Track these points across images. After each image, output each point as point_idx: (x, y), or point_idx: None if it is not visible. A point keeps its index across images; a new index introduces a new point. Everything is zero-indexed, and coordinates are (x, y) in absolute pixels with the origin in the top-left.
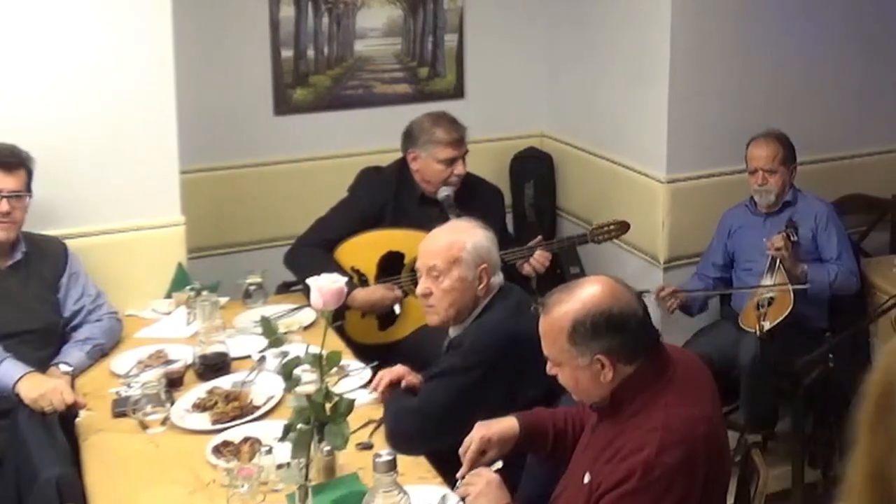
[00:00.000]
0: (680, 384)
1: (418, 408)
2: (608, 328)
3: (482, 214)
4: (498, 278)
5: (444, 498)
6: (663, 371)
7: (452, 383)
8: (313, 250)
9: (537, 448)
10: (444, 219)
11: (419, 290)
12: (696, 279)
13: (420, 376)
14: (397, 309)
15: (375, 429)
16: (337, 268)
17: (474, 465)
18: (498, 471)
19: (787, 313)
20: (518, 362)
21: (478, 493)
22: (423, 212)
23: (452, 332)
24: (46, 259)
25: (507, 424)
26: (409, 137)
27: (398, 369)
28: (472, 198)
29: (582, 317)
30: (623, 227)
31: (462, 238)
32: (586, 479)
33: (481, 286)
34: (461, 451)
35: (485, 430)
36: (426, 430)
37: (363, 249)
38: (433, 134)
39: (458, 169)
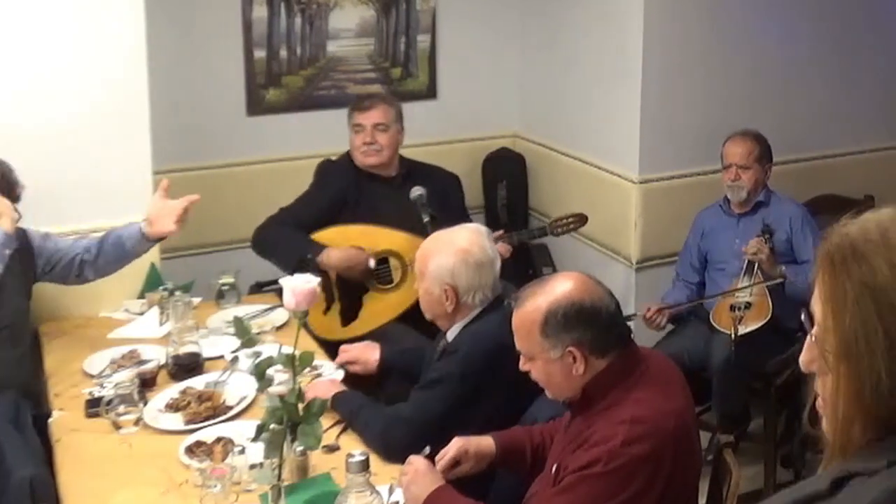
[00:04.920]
0: (651, 380)
1: (410, 417)
2: (580, 320)
3: (439, 201)
4: (481, 295)
5: (391, 488)
6: (634, 367)
7: (447, 392)
8: (285, 226)
9: (517, 466)
10: (404, 199)
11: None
12: (681, 286)
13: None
14: (372, 263)
15: (343, 430)
16: (306, 239)
17: (447, 473)
18: (428, 456)
19: (765, 321)
20: (512, 371)
21: (409, 482)
22: (378, 190)
23: (449, 334)
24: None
25: (485, 442)
26: None
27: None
28: (430, 187)
29: (554, 308)
30: (581, 219)
31: (428, 257)
32: (553, 468)
33: (448, 303)
34: (437, 458)
35: (463, 442)
36: (418, 440)
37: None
38: (352, 104)
39: (364, 138)
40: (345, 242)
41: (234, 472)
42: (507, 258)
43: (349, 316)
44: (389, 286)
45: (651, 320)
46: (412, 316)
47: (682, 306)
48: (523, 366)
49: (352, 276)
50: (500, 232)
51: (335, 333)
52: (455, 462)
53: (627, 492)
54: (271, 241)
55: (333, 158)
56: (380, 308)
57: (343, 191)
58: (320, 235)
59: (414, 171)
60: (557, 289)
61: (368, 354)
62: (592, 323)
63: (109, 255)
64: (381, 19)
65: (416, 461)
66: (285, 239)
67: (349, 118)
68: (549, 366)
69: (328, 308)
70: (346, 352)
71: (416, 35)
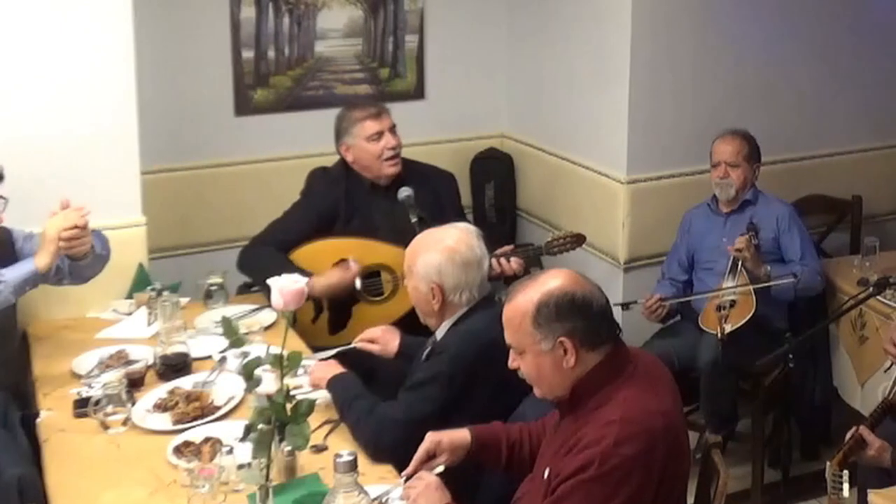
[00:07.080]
0: (640, 380)
1: (401, 419)
2: (571, 310)
3: (435, 202)
4: (468, 294)
5: (386, 492)
6: (624, 366)
7: (436, 393)
8: (268, 249)
9: (491, 460)
10: (398, 209)
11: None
12: (667, 284)
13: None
14: (358, 284)
15: (331, 430)
16: (293, 267)
17: (420, 465)
18: (440, 475)
19: (749, 317)
20: (500, 370)
21: (417, 495)
22: (374, 202)
23: (438, 333)
24: None
25: (459, 434)
26: (336, 133)
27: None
28: (424, 187)
29: (546, 299)
30: (579, 239)
31: (417, 254)
32: (546, 473)
33: (435, 301)
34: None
35: (435, 435)
36: (410, 441)
37: (316, 257)
38: (351, 116)
39: (389, 142)
40: (336, 255)
41: (222, 473)
42: (520, 273)
43: (337, 326)
44: (379, 298)
45: (651, 309)
46: (401, 327)
47: (681, 299)
48: (512, 363)
49: (341, 295)
50: (512, 247)
51: (323, 341)
52: (429, 455)
53: (623, 494)
54: (256, 269)
55: (327, 166)
56: (368, 320)
57: (335, 204)
58: (311, 248)
59: (409, 173)
60: (549, 282)
61: (389, 337)
62: (584, 314)
63: (76, 264)
64: (369, 19)
65: (427, 476)
66: (270, 267)
67: (356, 131)
68: (539, 359)
69: (316, 317)
70: (367, 333)
71: (404, 35)
